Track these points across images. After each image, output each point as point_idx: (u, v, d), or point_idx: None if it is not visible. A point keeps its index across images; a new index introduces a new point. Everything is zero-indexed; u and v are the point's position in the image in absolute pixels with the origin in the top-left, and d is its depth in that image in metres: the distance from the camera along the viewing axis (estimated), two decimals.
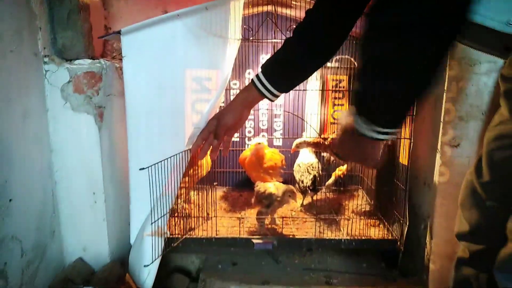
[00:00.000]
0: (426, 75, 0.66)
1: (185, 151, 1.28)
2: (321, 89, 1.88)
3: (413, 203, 1.54)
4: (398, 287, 1.42)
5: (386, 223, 1.59)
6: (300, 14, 1.56)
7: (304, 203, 1.80)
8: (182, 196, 1.62)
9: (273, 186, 1.55)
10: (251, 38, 1.58)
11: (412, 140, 1.42)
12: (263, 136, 2.03)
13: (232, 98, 1.58)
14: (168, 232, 1.39)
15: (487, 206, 0.92)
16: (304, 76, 1.06)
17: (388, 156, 1.61)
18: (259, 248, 1.47)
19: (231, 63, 1.37)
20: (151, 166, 1.20)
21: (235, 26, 1.34)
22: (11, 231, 1.13)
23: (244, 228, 1.58)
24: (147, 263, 1.28)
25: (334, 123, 1.97)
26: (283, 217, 1.61)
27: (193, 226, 1.53)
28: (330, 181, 1.78)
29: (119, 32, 1.22)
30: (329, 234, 1.52)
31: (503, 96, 0.82)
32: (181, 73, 1.29)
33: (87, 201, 1.39)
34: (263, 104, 1.97)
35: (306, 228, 1.59)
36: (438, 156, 1.34)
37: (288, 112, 1.96)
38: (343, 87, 1.91)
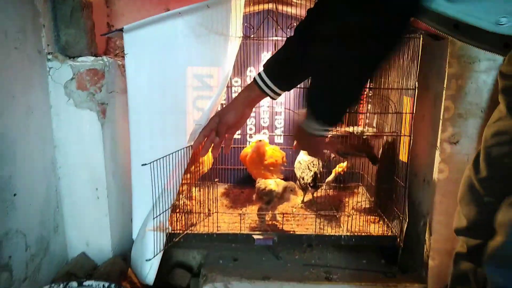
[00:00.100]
0: (360, 83, 0.78)
1: (186, 147, 1.29)
2: None
3: (413, 200, 1.55)
4: (397, 283, 1.44)
5: (386, 220, 1.60)
6: (301, 12, 1.57)
7: (305, 200, 1.82)
8: (184, 192, 1.63)
9: (274, 183, 1.56)
10: (252, 36, 1.59)
11: (411, 138, 1.43)
12: (264, 133, 2.05)
13: (233, 95, 1.60)
14: (170, 228, 1.40)
15: (485, 202, 0.93)
16: (305, 74, 1.07)
17: (388, 153, 1.62)
18: (259, 244, 1.49)
19: (232, 60, 1.38)
20: (153, 162, 1.21)
21: (236, 24, 1.35)
22: (15, 225, 1.15)
23: (245, 224, 1.59)
24: (149, 257, 1.30)
25: None
26: (283, 214, 1.63)
27: (194, 222, 1.54)
28: (330, 177, 1.79)
29: (121, 30, 1.23)
30: (329, 231, 1.53)
31: (502, 93, 0.83)
32: (182, 70, 1.31)
33: (90, 197, 1.40)
34: (265, 101, 1.98)
35: (307, 225, 1.61)
36: (437, 153, 1.35)
37: (289, 110, 1.97)
38: None
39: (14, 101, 1.15)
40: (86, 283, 1.13)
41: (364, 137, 1.62)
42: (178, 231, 1.48)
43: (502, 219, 0.76)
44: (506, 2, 0.50)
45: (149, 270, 1.33)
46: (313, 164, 1.73)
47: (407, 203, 1.45)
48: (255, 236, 1.48)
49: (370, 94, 1.85)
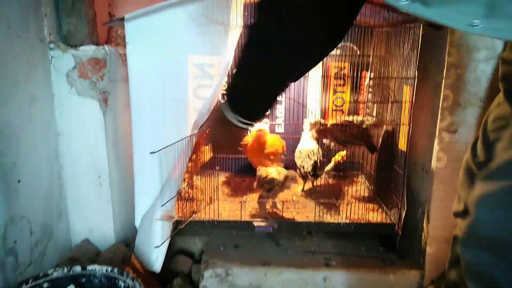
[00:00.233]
0: (282, 84, 0.81)
1: (190, 136, 1.31)
2: (323, 76, 1.90)
3: (412, 188, 1.57)
4: (395, 269, 1.46)
5: (384, 208, 1.62)
6: None
7: (305, 189, 1.84)
8: (186, 180, 1.65)
9: (275, 171, 1.58)
10: None
11: (411, 127, 1.44)
12: (264, 122, 2.06)
13: None
14: (176, 216, 1.42)
15: None
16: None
17: (388, 142, 1.64)
18: (259, 231, 1.51)
19: (233, 50, 1.39)
20: (160, 150, 1.22)
21: (237, 13, 1.36)
22: (20, 211, 1.17)
23: (246, 211, 1.61)
24: (157, 245, 1.32)
25: (335, 110, 1.99)
26: (283, 201, 1.65)
27: (196, 210, 1.56)
28: (329, 166, 1.81)
29: (122, 19, 1.24)
30: (328, 218, 1.56)
31: (501, 79, 0.84)
32: (183, 59, 1.32)
33: (92, 184, 1.43)
34: None
35: (307, 212, 1.63)
36: (436, 142, 1.36)
37: (290, 99, 1.98)
38: (345, 74, 1.93)
39: (18, 89, 1.16)
40: (90, 267, 1.15)
41: (364, 126, 1.63)
42: (180, 219, 1.50)
43: (471, 196, 0.76)
44: (479, 5, 0.53)
45: (156, 257, 1.35)
46: (313, 153, 1.74)
47: (405, 191, 1.47)
48: (255, 223, 1.51)
49: (370, 84, 1.86)
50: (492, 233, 0.68)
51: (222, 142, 0.99)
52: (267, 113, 0.87)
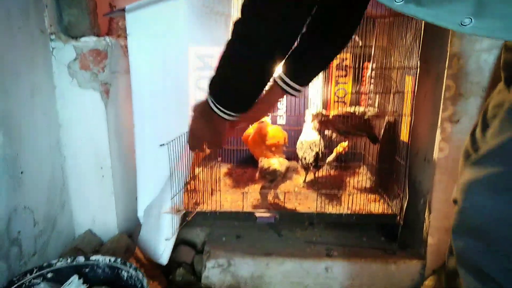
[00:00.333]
0: (265, 77, 0.82)
1: None
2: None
3: (413, 179, 1.57)
4: (397, 259, 1.47)
5: (386, 199, 1.62)
6: None
7: (307, 180, 1.84)
8: (189, 172, 1.66)
9: (277, 162, 1.58)
10: None
11: (413, 117, 1.44)
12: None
13: None
14: (184, 209, 1.42)
15: None
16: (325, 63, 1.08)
17: (390, 133, 1.63)
18: (261, 222, 1.51)
19: None
20: (169, 142, 1.21)
21: (238, 3, 1.35)
22: (23, 202, 1.18)
23: (248, 202, 1.62)
24: (168, 237, 1.32)
25: (337, 101, 1.98)
26: (285, 192, 1.65)
27: (198, 201, 1.57)
28: (331, 157, 1.81)
29: (123, 10, 1.24)
30: (330, 209, 1.56)
31: (502, 66, 0.83)
32: (184, 50, 1.31)
33: (95, 175, 1.43)
34: None
35: (308, 203, 1.63)
36: (438, 132, 1.35)
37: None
38: (347, 65, 1.92)
39: (19, 81, 1.17)
40: (93, 257, 1.16)
41: (366, 117, 1.62)
42: (186, 211, 1.50)
43: (458, 183, 0.76)
44: (468, 4, 0.55)
45: (164, 250, 1.36)
46: (315, 145, 1.74)
47: (407, 182, 1.47)
48: (257, 214, 1.51)
49: (372, 75, 1.85)
50: (479, 220, 0.68)
51: (202, 136, 0.95)
52: (249, 105, 0.86)
